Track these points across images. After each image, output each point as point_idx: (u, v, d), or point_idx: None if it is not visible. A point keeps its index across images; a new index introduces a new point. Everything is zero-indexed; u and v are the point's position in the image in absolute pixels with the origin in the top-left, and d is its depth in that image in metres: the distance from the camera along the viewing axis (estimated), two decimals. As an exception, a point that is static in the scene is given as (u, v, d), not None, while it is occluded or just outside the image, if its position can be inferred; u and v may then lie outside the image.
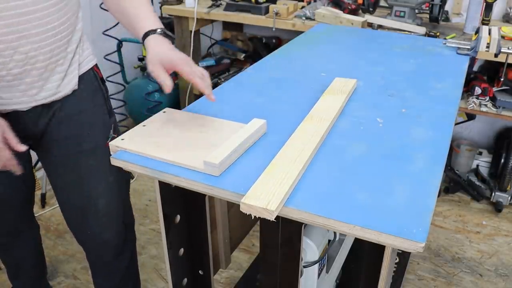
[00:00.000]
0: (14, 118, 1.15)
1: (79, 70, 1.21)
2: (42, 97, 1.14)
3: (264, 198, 0.77)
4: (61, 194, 1.34)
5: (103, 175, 1.29)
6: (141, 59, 2.94)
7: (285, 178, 0.82)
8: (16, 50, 1.02)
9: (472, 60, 1.59)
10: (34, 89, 1.11)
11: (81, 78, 1.22)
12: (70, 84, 1.18)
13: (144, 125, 1.02)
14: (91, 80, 1.25)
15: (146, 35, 1.05)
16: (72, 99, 1.20)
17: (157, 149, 0.92)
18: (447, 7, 2.48)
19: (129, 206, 1.45)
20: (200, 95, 1.07)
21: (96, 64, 1.29)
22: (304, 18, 2.42)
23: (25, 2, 1.00)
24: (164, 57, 1.00)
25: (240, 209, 0.77)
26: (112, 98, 2.80)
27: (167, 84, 0.98)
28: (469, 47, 1.56)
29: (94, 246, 1.42)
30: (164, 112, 1.09)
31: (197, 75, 1.00)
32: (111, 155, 0.95)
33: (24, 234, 1.54)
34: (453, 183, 2.52)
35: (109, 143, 0.95)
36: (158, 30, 1.06)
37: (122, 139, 0.96)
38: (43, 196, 2.38)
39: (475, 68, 2.51)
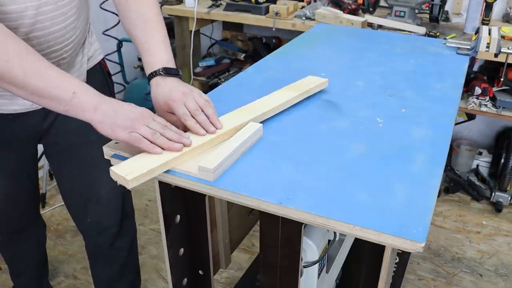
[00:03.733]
0: (26, 117, 1.17)
1: (88, 64, 1.25)
2: (34, 105, 1.16)
3: (129, 169, 0.83)
4: (65, 182, 1.38)
5: (107, 165, 1.31)
6: (141, 59, 2.94)
7: (161, 157, 0.86)
8: None
9: (472, 60, 1.59)
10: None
11: (89, 72, 1.25)
12: (80, 79, 1.20)
13: None
14: (99, 74, 1.29)
15: (150, 78, 1.02)
16: None
17: (150, 154, 0.91)
18: (447, 7, 2.48)
19: (129, 196, 1.48)
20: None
21: (103, 58, 1.33)
22: (304, 18, 2.42)
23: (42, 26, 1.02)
24: (161, 102, 0.98)
25: (110, 175, 0.83)
26: (112, 98, 2.82)
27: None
28: (469, 47, 1.56)
29: (93, 234, 1.45)
30: None
31: (189, 115, 0.94)
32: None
33: (29, 232, 1.56)
34: (453, 183, 2.52)
35: (103, 146, 0.95)
36: (160, 70, 1.01)
37: (116, 143, 0.96)
38: (43, 196, 2.37)
39: (475, 68, 2.51)
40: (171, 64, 1.04)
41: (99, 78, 1.29)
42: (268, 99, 1.11)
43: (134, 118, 0.89)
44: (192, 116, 0.94)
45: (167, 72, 1.00)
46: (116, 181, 1.37)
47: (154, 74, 1.01)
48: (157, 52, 1.05)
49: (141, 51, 1.07)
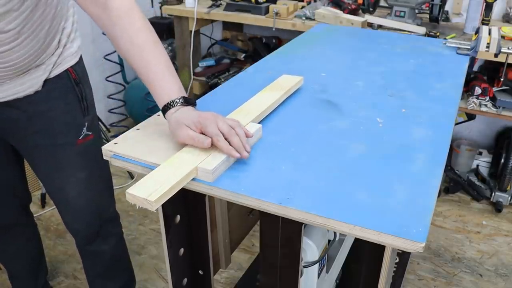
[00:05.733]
0: None
1: (52, 72, 1.22)
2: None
3: (148, 189, 0.77)
4: (42, 184, 1.41)
5: (73, 170, 1.32)
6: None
7: (178, 172, 0.82)
8: None
9: (472, 60, 1.59)
10: None
11: (54, 78, 1.23)
12: (32, 88, 1.19)
13: (138, 129, 1.02)
14: (64, 80, 1.25)
15: (164, 110, 0.96)
16: (44, 96, 1.22)
17: (150, 154, 0.91)
18: (447, 7, 2.48)
19: (107, 202, 1.48)
20: (200, 95, 1.06)
21: (74, 64, 1.27)
22: (304, 18, 2.42)
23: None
24: (187, 122, 0.90)
25: (126, 199, 0.78)
26: (112, 98, 2.82)
27: (207, 142, 0.88)
28: (469, 47, 1.56)
29: (72, 233, 1.47)
30: (158, 115, 1.08)
31: (219, 138, 0.87)
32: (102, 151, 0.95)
33: (16, 230, 1.55)
34: (453, 183, 2.52)
35: (102, 147, 0.95)
36: (176, 102, 0.94)
37: (115, 143, 0.96)
38: (43, 196, 2.37)
39: (475, 68, 2.51)
40: (182, 91, 0.98)
41: (63, 84, 1.25)
42: (259, 100, 1.11)
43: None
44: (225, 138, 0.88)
45: (182, 102, 0.95)
46: (84, 188, 1.36)
47: (168, 106, 0.94)
48: (164, 83, 0.97)
49: (146, 83, 0.99)
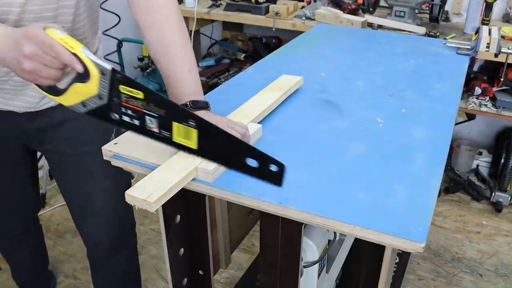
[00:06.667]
0: (8, 115, 1.14)
1: None
2: (39, 104, 1.14)
3: (148, 190, 0.78)
4: (63, 190, 1.36)
5: (101, 178, 1.29)
6: (141, 59, 2.94)
7: (177, 173, 0.82)
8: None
9: (472, 60, 1.59)
10: (32, 98, 1.11)
11: None
12: None
13: None
14: None
15: None
16: None
17: (150, 154, 0.91)
18: (447, 7, 2.48)
19: (128, 210, 1.43)
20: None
21: None
22: (304, 18, 2.42)
23: None
24: None
25: (126, 200, 0.78)
26: (112, 98, 2.81)
27: None
28: (469, 47, 1.56)
29: (90, 244, 1.43)
30: None
31: None
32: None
33: (23, 238, 1.54)
34: (453, 183, 2.52)
35: (102, 147, 0.95)
36: (187, 104, 0.94)
37: (115, 144, 0.96)
38: (43, 196, 2.37)
39: (475, 68, 2.51)
40: (199, 94, 0.97)
41: None
42: (259, 100, 1.10)
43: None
44: None
45: (195, 105, 0.95)
46: (113, 198, 1.33)
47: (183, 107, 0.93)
48: (182, 83, 0.97)
49: (165, 81, 0.99)
